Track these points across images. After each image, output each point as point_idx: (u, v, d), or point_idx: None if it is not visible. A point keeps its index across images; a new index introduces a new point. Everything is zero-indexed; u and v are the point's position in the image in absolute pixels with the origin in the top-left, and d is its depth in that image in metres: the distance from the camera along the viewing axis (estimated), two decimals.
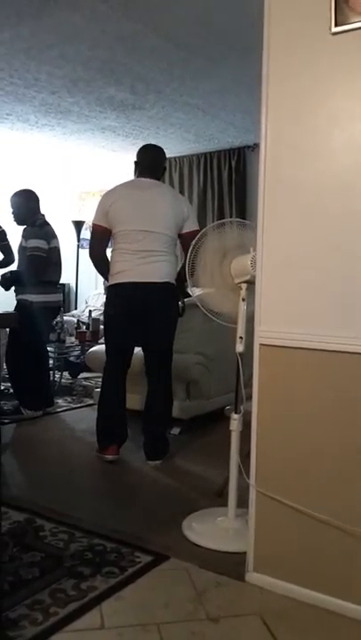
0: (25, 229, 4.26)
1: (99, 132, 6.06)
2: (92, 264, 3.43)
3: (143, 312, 3.21)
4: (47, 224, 4.30)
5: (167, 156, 5.78)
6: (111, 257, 3.30)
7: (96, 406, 3.47)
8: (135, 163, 3.41)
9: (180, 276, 3.33)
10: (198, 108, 5.30)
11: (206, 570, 2.12)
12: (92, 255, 3.39)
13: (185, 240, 3.29)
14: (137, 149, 3.46)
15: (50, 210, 4.46)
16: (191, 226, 3.32)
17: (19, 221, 4.32)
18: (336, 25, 1.80)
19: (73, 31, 3.74)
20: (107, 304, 3.35)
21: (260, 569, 2.03)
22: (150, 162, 3.37)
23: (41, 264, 4.14)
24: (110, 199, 3.24)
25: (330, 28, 1.81)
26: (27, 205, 4.29)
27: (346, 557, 1.87)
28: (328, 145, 1.85)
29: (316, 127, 1.87)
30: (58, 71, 4.43)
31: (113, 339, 3.35)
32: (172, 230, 3.25)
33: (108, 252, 3.37)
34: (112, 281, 3.25)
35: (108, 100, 5.11)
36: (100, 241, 3.34)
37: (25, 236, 4.22)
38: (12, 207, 4.32)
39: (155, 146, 3.51)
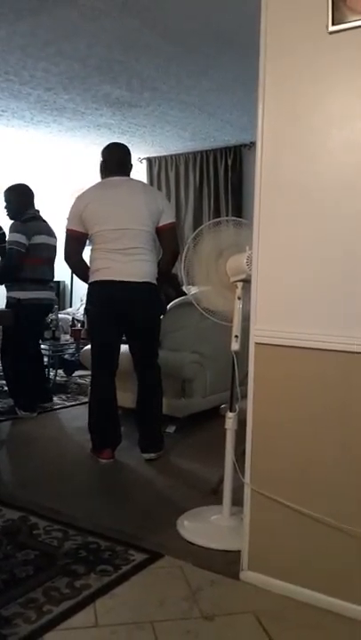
0: (10, 224, 4.21)
1: (94, 130, 6.05)
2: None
3: (124, 311, 3.19)
4: (35, 219, 4.23)
5: (163, 153, 5.77)
6: (90, 256, 3.26)
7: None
8: (102, 162, 3.36)
9: (166, 273, 3.33)
10: (195, 106, 5.30)
11: (201, 568, 2.12)
12: (68, 260, 3.33)
13: (162, 233, 3.29)
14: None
15: (44, 207, 4.43)
16: (167, 219, 3.30)
17: (11, 216, 4.28)
18: (333, 24, 1.80)
19: (70, 28, 3.72)
20: (88, 302, 3.32)
21: (255, 567, 2.03)
22: (118, 160, 3.34)
23: (16, 258, 4.06)
24: (83, 202, 3.20)
25: (327, 27, 1.81)
26: (18, 200, 4.25)
27: (340, 555, 1.87)
28: (325, 144, 1.85)
29: (314, 126, 1.87)
30: (54, 68, 4.41)
31: (97, 337, 3.32)
32: (148, 226, 3.21)
33: (85, 255, 3.34)
34: (92, 278, 3.21)
35: (103, 98, 5.10)
36: (75, 245, 3.29)
37: (9, 230, 4.19)
38: (5, 202, 4.31)
39: (119, 143, 3.48)
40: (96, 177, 3.39)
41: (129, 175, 3.37)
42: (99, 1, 3.36)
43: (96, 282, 3.19)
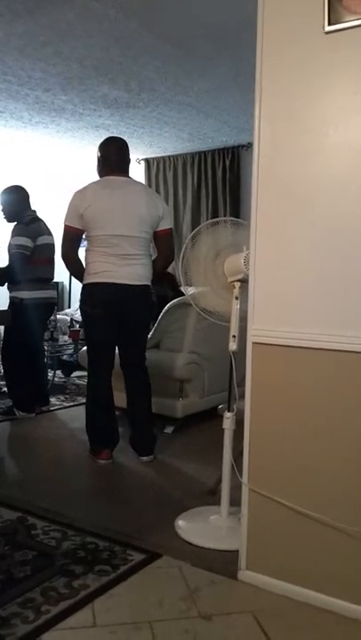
0: (14, 227, 4.22)
1: (92, 130, 6.05)
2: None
3: (120, 313, 3.18)
4: (36, 220, 4.23)
5: (161, 154, 5.75)
6: (87, 257, 3.22)
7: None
8: (101, 157, 3.28)
9: (158, 275, 3.34)
10: (192, 106, 5.30)
11: (199, 568, 2.12)
12: (65, 257, 3.29)
13: (159, 238, 3.30)
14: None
15: (42, 208, 4.43)
16: (166, 224, 3.30)
17: (9, 219, 4.28)
18: (329, 24, 1.80)
19: (67, 29, 3.72)
20: (84, 302, 3.26)
21: (253, 567, 2.03)
22: (119, 156, 3.27)
23: (23, 261, 4.08)
24: (85, 201, 3.12)
25: (323, 27, 1.81)
26: (15, 202, 4.24)
27: (338, 555, 1.87)
28: (322, 144, 1.85)
29: (310, 126, 1.87)
30: (52, 69, 4.41)
31: (95, 337, 3.29)
32: (148, 232, 3.22)
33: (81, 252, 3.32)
34: (89, 279, 3.17)
35: (101, 99, 5.10)
36: (73, 242, 3.24)
37: (12, 233, 4.19)
38: (1, 204, 4.29)
39: (118, 138, 3.40)
40: (95, 178, 3.35)
41: (128, 172, 3.32)
42: (96, 2, 3.36)
43: (94, 283, 3.16)
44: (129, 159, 3.36)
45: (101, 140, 3.39)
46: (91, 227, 3.14)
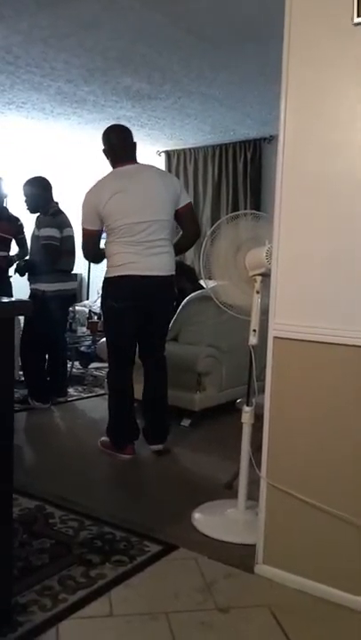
0: (38, 218, 4.24)
1: (114, 122, 6.03)
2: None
3: (147, 305, 3.13)
4: (60, 212, 4.27)
5: (182, 146, 5.71)
6: (111, 248, 3.11)
7: (106, 397, 3.45)
8: (109, 148, 3.24)
9: (185, 251, 3.33)
10: (215, 98, 5.27)
11: (216, 561, 2.13)
12: (87, 257, 3.32)
13: (183, 215, 3.23)
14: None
15: (63, 199, 4.44)
16: (185, 199, 3.25)
17: (31, 209, 4.30)
18: (359, 15, 1.77)
19: (91, 20, 3.71)
20: (109, 296, 3.17)
21: (270, 561, 2.03)
22: (127, 143, 3.23)
23: (55, 253, 4.12)
24: (100, 199, 3.05)
25: (352, 19, 1.79)
26: (39, 193, 4.26)
27: (356, 551, 1.86)
28: (349, 138, 1.83)
29: (338, 120, 1.85)
30: (75, 60, 4.41)
31: (119, 332, 3.20)
32: (171, 214, 3.15)
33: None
34: (116, 272, 3.08)
35: (123, 90, 5.09)
36: (94, 243, 3.22)
37: (38, 224, 4.21)
38: (25, 195, 4.30)
39: (119, 125, 3.34)
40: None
41: (136, 157, 3.25)
42: None
43: (121, 276, 3.07)
44: (134, 143, 3.28)
45: None
46: (112, 219, 3.06)
